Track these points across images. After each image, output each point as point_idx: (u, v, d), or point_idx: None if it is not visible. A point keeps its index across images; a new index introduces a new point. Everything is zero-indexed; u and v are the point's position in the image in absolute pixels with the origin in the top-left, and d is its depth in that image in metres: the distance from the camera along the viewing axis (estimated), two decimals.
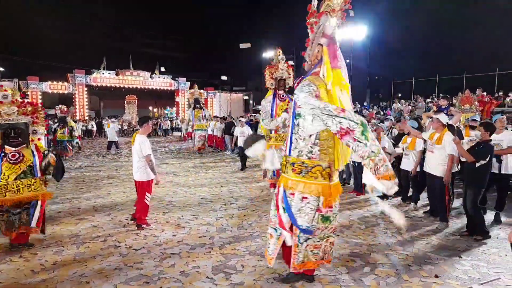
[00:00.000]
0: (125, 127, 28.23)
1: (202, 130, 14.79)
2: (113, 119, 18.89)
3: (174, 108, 33.40)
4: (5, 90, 4.42)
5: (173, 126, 28.53)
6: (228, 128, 14.25)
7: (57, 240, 4.56)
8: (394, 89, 28.14)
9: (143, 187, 5.08)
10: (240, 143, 10.61)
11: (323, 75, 3.12)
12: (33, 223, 4.33)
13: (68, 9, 38.48)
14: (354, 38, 26.03)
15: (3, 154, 4.24)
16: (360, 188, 7.15)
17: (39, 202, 4.37)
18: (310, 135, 3.05)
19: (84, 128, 23.86)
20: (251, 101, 38.54)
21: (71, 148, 13.45)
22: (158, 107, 39.55)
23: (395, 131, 7.67)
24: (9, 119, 4.33)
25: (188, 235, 4.82)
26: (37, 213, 4.35)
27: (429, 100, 18.20)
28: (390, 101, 24.62)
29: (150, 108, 40.18)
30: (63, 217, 5.63)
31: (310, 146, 3.06)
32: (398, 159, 6.88)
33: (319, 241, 3.21)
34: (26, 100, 4.78)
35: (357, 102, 24.13)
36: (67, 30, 36.53)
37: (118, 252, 4.20)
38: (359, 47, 28.06)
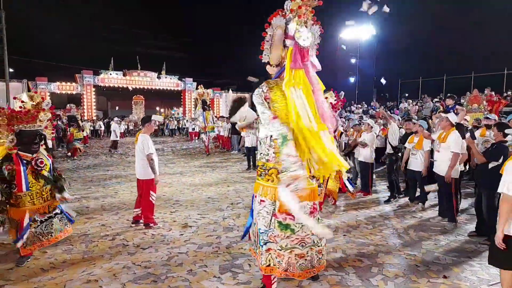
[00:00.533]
0: (131, 127, 28.46)
1: (214, 131, 15.12)
2: (116, 119, 19.11)
3: (181, 109, 33.63)
4: (42, 98, 4.40)
5: (180, 126, 28.69)
6: (235, 128, 14.22)
7: (66, 239, 4.60)
8: (401, 89, 27.92)
9: (148, 185, 5.11)
10: (247, 143, 10.64)
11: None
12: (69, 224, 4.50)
13: (76, 10, 38.89)
14: (361, 38, 25.93)
15: (25, 161, 3.99)
16: (367, 188, 7.13)
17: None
18: (266, 137, 3.05)
19: (92, 128, 24.14)
20: None
21: (80, 147, 13.78)
22: (165, 107, 39.82)
23: (402, 131, 7.62)
24: (39, 125, 4.19)
25: (195, 234, 4.85)
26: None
27: (436, 99, 18.00)
28: (397, 101, 24.43)
29: (157, 108, 40.44)
30: None
31: (267, 148, 3.06)
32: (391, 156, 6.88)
33: (281, 250, 3.01)
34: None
35: (363, 102, 24.00)
36: (75, 31, 36.95)
37: (126, 251, 4.24)
38: (366, 46, 27.92)
